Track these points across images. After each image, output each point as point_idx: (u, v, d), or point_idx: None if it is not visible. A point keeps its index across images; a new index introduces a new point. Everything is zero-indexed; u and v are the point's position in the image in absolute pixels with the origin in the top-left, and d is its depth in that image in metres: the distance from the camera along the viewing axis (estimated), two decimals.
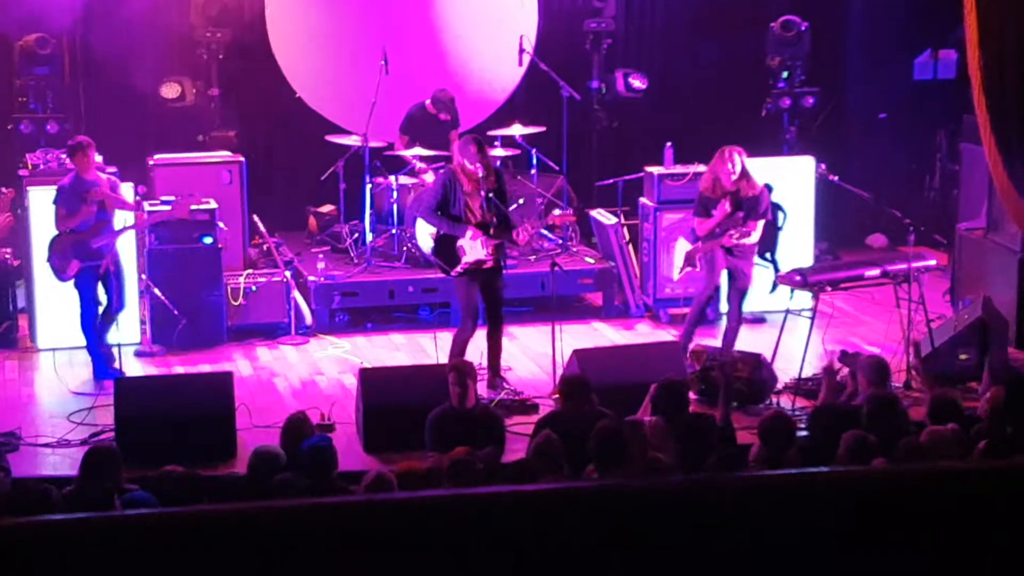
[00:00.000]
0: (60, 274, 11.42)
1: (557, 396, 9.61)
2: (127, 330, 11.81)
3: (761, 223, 11.37)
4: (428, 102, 13.79)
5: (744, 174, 11.30)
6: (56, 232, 11.36)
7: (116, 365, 11.42)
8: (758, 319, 12.72)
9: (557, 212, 11.51)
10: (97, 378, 11.38)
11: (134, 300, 12.08)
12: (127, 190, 11.94)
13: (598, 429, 8.13)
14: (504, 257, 11.07)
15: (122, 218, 11.59)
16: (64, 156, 12.73)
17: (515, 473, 7.97)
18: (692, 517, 3.84)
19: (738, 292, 11.56)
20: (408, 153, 13.52)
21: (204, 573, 3.66)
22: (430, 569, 3.71)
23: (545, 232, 13.47)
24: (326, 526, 3.69)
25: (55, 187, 11.46)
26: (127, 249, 11.90)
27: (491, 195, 10.78)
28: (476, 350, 10.96)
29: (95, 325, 11.45)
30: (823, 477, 4.11)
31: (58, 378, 11.48)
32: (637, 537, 3.80)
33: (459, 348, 10.88)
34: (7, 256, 12.66)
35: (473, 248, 10.78)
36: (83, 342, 11.56)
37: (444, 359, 10.81)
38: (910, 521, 3.74)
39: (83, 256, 11.32)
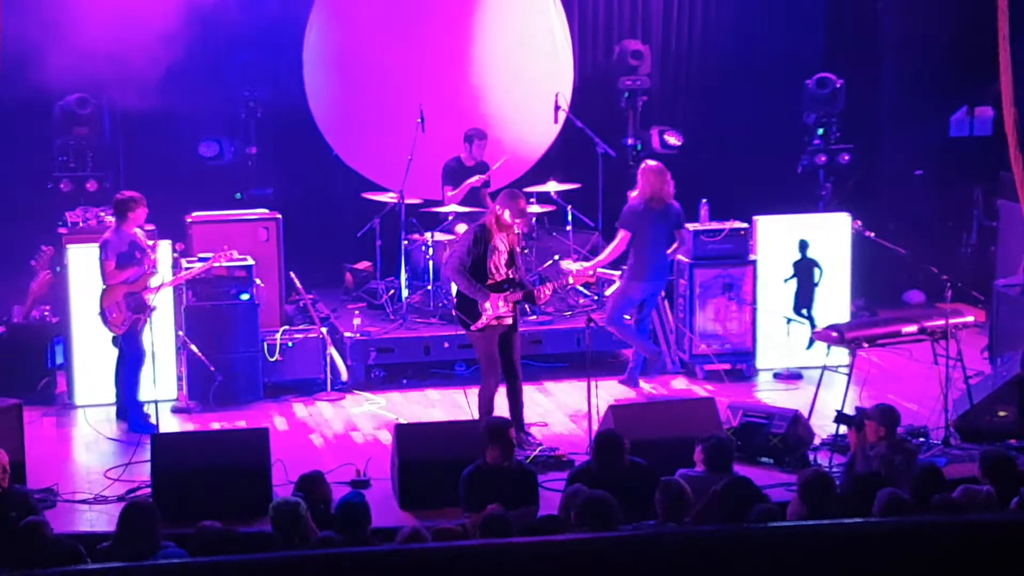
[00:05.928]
0: (113, 327, 11.49)
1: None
2: (164, 386, 11.87)
3: None
4: (463, 154, 13.84)
5: None
6: (105, 285, 11.45)
7: (152, 420, 11.46)
8: (795, 375, 12.69)
9: (575, 267, 11.57)
10: (134, 430, 11.42)
11: (171, 356, 12.15)
12: (164, 247, 12.03)
13: (666, 484, 8.14)
14: (524, 313, 11.07)
15: (159, 275, 11.69)
16: (102, 213, 12.85)
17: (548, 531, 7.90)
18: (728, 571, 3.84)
19: None
20: (445, 209, 13.57)
21: None
22: None
23: (581, 288, 13.47)
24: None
25: (99, 244, 11.55)
26: (164, 305, 11.97)
27: (521, 251, 10.82)
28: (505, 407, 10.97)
29: (139, 378, 11.51)
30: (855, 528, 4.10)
31: (95, 434, 11.53)
32: None
33: (486, 404, 10.88)
34: (46, 313, 12.75)
35: (495, 304, 10.80)
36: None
37: (475, 415, 10.82)
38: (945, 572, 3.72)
39: (135, 308, 11.40)
